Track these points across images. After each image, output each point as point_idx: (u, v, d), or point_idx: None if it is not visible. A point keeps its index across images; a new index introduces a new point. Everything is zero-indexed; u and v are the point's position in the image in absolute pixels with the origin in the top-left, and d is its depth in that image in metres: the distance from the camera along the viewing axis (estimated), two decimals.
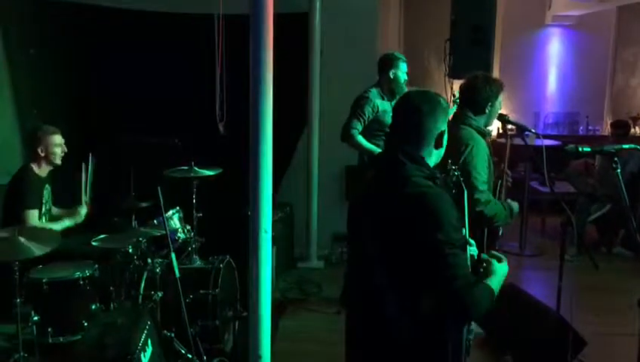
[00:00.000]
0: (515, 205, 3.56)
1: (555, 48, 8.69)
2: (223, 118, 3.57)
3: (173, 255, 2.93)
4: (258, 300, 2.77)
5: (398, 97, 4.42)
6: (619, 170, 1.89)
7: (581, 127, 8.72)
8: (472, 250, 2.48)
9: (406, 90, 4.46)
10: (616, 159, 1.88)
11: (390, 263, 2.01)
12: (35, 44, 4.89)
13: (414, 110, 2.10)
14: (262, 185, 2.70)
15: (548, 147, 3.40)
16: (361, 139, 4.36)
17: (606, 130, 8.73)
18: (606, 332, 4.17)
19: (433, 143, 2.10)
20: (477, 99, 3.23)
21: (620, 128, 6.19)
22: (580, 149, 1.95)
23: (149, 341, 2.68)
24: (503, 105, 9.10)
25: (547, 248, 6.24)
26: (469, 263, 2.09)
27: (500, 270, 2.11)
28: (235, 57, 3.23)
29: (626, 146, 1.91)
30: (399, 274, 2.00)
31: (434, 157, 2.13)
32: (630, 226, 5.81)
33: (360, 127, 4.36)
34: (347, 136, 4.38)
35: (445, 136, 2.12)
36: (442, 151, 2.15)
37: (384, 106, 4.45)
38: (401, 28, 8.57)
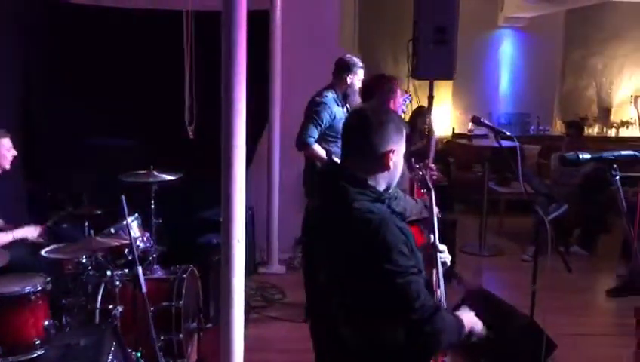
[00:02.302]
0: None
1: (507, 50, 8.84)
2: (192, 121, 3.38)
3: (139, 268, 2.73)
4: (231, 312, 2.65)
5: (349, 104, 4.36)
6: (617, 177, 1.84)
7: (532, 127, 8.90)
8: (444, 256, 2.40)
9: (358, 98, 4.38)
10: (615, 166, 1.83)
11: (344, 293, 1.87)
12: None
13: (358, 128, 1.94)
14: (234, 193, 2.56)
15: (504, 148, 3.39)
16: (317, 147, 4.17)
17: (556, 130, 8.95)
18: (574, 332, 4.20)
19: (380, 164, 1.92)
20: (371, 95, 3.44)
21: (575, 128, 6.31)
22: (581, 157, 1.89)
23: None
24: (458, 105, 9.19)
25: (506, 248, 6.30)
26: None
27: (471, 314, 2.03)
28: (205, 56, 3.05)
29: (624, 153, 1.87)
30: (355, 304, 1.85)
31: (383, 180, 1.95)
32: (589, 227, 5.97)
33: (317, 135, 4.15)
34: (303, 145, 4.16)
35: (396, 157, 1.93)
36: (396, 173, 1.97)
37: (339, 113, 4.28)
38: (356, 28, 8.52)
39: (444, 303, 2.36)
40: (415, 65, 4.99)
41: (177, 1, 3.08)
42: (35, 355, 2.85)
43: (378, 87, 3.43)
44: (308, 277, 2.19)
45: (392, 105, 3.35)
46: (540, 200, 5.64)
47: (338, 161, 2.08)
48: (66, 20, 4.97)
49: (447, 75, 4.85)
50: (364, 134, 1.92)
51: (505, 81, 8.91)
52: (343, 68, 4.31)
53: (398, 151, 1.94)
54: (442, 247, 2.33)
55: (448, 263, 2.34)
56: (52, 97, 4.90)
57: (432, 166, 4.04)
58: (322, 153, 4.17)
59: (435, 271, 2.25)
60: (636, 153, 1.90)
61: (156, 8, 4.78)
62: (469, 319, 2.01)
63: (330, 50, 5.33)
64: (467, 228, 6.23)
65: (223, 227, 2.57)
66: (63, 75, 4.94)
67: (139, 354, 2.98)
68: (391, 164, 1.92)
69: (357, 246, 1.81)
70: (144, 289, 2.68)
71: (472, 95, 8.82)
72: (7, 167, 3.71)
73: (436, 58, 4.87)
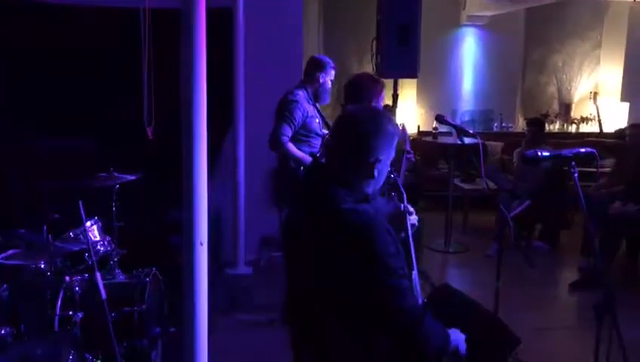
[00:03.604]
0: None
1: (469, 48, 8.93)
2: (151, 121, 3.31)
3: (98, 274, 2.65)
4: (194, 318, 2.59)
5: (318, 103, 4.34)
6: (576, 174, 1.85)
7: (495, 124, 9.02)
8: (413, 218, 2.44)
9: (327, 97, 4.38)
10: (573, 163, 1.85)
11: (335, 297, 1.85)
12: None
13: (349, 133, 1.96)
14: (196, 195, 2.50)
15: (467, 145, 3.42)
16: (291, 147, 4.10)
17: (518, 126, 9.08)
18: (537, 326, 4.25)
19: (365, 171, 1.94)
20: (361, 95, 3.49)
21: (536, 125, 6.40)
22: (540, 155, 1.90)
23: None
24: (423, 103, 9.23)
25: (470, 245, 6.37)
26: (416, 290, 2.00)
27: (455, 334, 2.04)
28: (163, 55, 2.99)
29: (583, 150, 1.89)
30: (347, 308, 1.84)
31: (368, 185, 1.97)
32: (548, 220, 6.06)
33: (290, 133, 4.08)
34: (277, 144, 4.07)
35: (381, 166, 1.94)
36: (381, 180, 2.00)
37: (311, 110, 4.24)
38: (320, 26, 8.50)
39: (416, 277, 2.39)
40: (379, 63, 5.01)
41: None
42: None
43: (367, 87, 3.43)
44: (291, 283, 2.15)
45: (373, 104, 3.42)
46: (503, 196, 5.71)
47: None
48: (18, 17, 4.82)
49: (411, 74, 4.89)
50: (354, 140, 1.93)
51: (468, 78, 9.00)
52: (316, 66, 4.27)
53: (384, 161, 1.95)
54: (411, 209, 2.39)
55: (417, 224, 2.44)
56: (7, 98, 4.74)
57: (409, 150, 4.10)
58: (296, 152, 4.12)
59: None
60: (593, 151, 1.93)
61: (113, 6, 4.66)
62: (455, 334, 2.02)
63: (295, 48, 5.31)
64: (432, 224, 6.27)
65: (185, 230, 2.51)
66: (14, 74, 4.78)
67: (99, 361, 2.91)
68: (375, 172, 1.93)
69: (346, 248, 1.80)
70: (103, 296, 2.61)
71: (437, 93, 8.89)
72: None
73: (400, 57, 4.89)
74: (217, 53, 4.97)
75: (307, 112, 4.16)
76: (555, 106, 9.36)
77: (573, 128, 9.21)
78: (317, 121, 4.25)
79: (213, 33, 4.87)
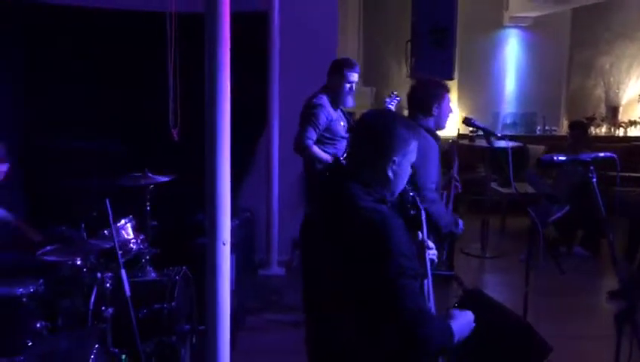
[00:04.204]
0: (460, 222, 3.55)
1: (512, 49, 8.78)
2: (176, 123, 3.39)
3: (123, 271, 2.73)
4: (216, 316, 2.64)
5: (342, 105, 4.34)
6: (594, 180, 1.81)
7: (538, 127, 8.84)
8: (432, 253, 2.41)
9: (350, 100, 4.34)
10: (592, 168, 1.80)
11: (344, 293, 1.88)
12: None
13: (364, 134, 2.01)
14: (219, 195, 2.55)
15: (502, 148, 3.38)
16: (316, 149, 4.17)
17: (563, 130, 8.87)
18: (573, 335, 4.14)
19: (380, 172, 1.96)
20: (423, 101, 3.30)
21: (578, 129, 6.24)
22: (555, 158, 1.87)
23: None
24: (464, 106, 9.16)
25: (508, 250, 6.24)
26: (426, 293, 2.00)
27: (465, 317, 2.03)
28: (189, 59, 3.06)
29: (602, 154, 1.84)
30: (353, 305, 1.87)
31: (386, 186, 1.99)
32: (589, 227, 5.89)
33: (315, 137, 4.15)
34: (302, 148, 4.16)
35: (397, 167, 1.97)
36: (398, 182, 2.01)
37: (335, 114, 4.28)
38: (360, 28, 8.51)
39: (432, 306, 2.35)
40: (413, 65, 4.99)
41: (161, 2, 3.09)
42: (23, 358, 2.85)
43: (429, 92, 3.34)
44: (306, 280, 2.19)
45: (436, 111, 3.28)
46: (541, 201, 5.59)
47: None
48: (47, 21, 4.96)
49: (446, 75, 4.84)
50: (367, 141, 1.99)
51: (511, 81, 8.86)
52: (337, 68, 4.28)
53: (400, 164, 1.96)
54: (431, 244, 2.36)
55: (436, 260, 2.36)
56: (38, 102, 4.91)
57: (456, 177, 4.03)
58: (322, 154, 4.17)
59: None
60: (613, 155, 1.88)
61: (139, 10, 4.79)
62: (460, 324, 2.00)
63: (329, 51, 5.32)
64: (469, 229, 6.16)
65: (208, 229, 2.56)
66: (45, 78, 4.95)
67: (123, 357, 2.98)
68: (390, 173, 1.96)
69: (359, 245, 1.83)
70: (128, 293, 2.68)
71: (478, 95, 8.78)
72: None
73: (434, 58, 4.87)
74: (252, 56, 5.09)
75: (331, 116, 4.21)
76: (602, 109, 9.09)
77: (620, 132, 8.93)
78: (342, 124, 4.28)
79: (248, 36, 4.98)
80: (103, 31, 4.95)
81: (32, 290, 3.13)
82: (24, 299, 3.09)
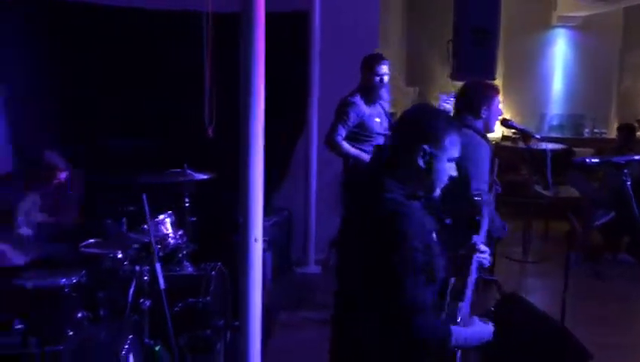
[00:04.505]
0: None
1: (560, 49, 8.57)
2: (211, 121, 3.47)
3: (158, 265, 2.81)
4: (247, 311, 2.68)
5: (379, 100, 4.41)
6: (629, 183, 1.76)
7: (586, 130, 8.59)
8: (484, 256, 2.37)
9: (385, 93, 4.40)
10: (625, 171, 1.75)
11: (363, 284, 1.92)
12: (9, 42, 4.74)
13: (398, 125, 2.06)
14: (252, 193, 2.60)
15: (553, 150, 3.31)
16: (345, 145, 4.27)
17: (612, 133, 8.59)
18: (615, 343, 4.02)
19: (414, 160, 1.95)
20: (473, 102, 3.25)
21: (625, 131, 6.05)
22: (588, 161, 1.82)
23: (131, 356, 2.56)
24: (509, 107, 8.98)
25: (551, 254, 6.09)
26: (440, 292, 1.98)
27: (481, 327, 2.01)
28: (226, 58, 3.11)
29: (637, 157, 1.79)
30: (368, 297, 1.90)
31: (420, 183, 1.98)
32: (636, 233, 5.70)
33: (344, 133, 4.26)
34: (331, 143, 4.31)
35: (430, 159, 1.95)
36: (435, 179, 1.99)
37: (369, 110, 4.35)
38: (404, 28, 8.46)
39: (467, 308, 2.33)
40: (455, 65, 4.94)
41: (197, 2, 3.17)
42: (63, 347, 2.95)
43: (477, 94, 3.29)
44: (337, 277, 2.23)
45: (485, 113, 3.24)
46: (585, 205, 5.45)
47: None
48: (85, 20, 5.10)
49: (488, 75, 4.78)
50: (399, 129, 2.05)
51: (558, 81, 8.64)
52: (365, 64, 4.37)
53: (436, 155, 1.94)
54: (484, 248, 2.32)
55: (486, 264, 2.37)
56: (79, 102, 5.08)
57: (497, 180, 4.00)
58: (351, 150, 4.26)
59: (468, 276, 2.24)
60: None
61: (176, 9, 4.91)
62: (470, 332, 1.98)
63: (370, 52, 5.31)
64: (511, 232, 6.06)
65: (240, 226, 2.61)
66: (84, 76, 5.10)
67: (157, 348, 3.06)
68: (420, 162, 1.94)
69: (374, 235, 1.86)
70: (162, 286, 2.75)
71: (524, 96, 8.60)
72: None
73: (476, 58, 4.81)
74: (292, 56, 5.14)
75: (363, 112, 4.29)
76: None
77: None
78: (377, 120, 4.32)
79: (288, 36, 5.01)
80: (141, 30, 5.08)
81: (74, 281, 3.25)
82: (66, 290, 3.20)
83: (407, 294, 1.79)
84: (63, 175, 3.88)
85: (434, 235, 1.95)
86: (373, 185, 1.96)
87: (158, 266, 2.81)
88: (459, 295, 2.16)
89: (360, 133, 4.30)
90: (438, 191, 2.05)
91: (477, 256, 2.33)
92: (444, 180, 2.02)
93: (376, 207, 1.89)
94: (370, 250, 1.86)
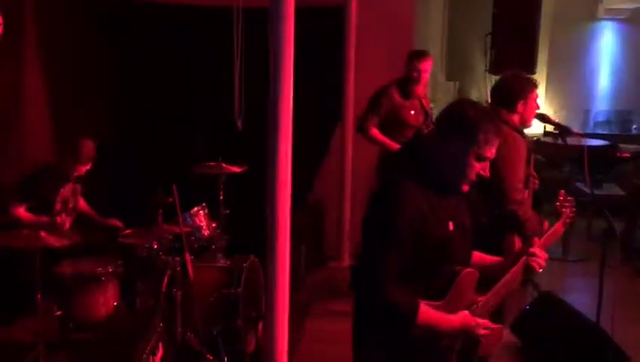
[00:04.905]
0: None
1: (607, 43, 8.31)
2: (240, 114, 3.52)
3: (187, 256, 2.86)
4: (275, 302, 2.70)
5: (416, 93, 4.49)
6: None
7: (634, 126, 8.32)
8: (537, 260, 2.28)
9: (420, 88, 4.50)
10: None
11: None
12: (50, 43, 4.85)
13: (439, 116, 2.05)
14: (280, 184, 2.61)
15: (597, 147, 3.22)
16: (375, 132, 4.41)
17: None
18: None
19: (444, 156, 1.94)
20: (510, 96, 3.14)
21: None
22: (618, 155, 1.77)
23: (160, 344, 2.63)
24: (552, 102, 8.78)
25: (593, 253, 5.93)
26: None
27: (458, 317, 1.97)
28: (256, 52, 3.15)
29: None
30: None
31: (443, 169, 1.96)
32: None
33: (375, 121, 4.41)
34: (361, 129, 4.49)
35: (457, 151, 1.94)
36: (455, 166, 1.96)
37: (403, 102, 4.46)
38: (445, 22, 8.35)
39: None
40: (493, 59, 4.87)
41: None
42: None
43: (514, 87, 3.19)
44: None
45: (521, 107, 3.16)
46: (630, 203, 5.28)
47: None
48: (121, 15, 5.20)
49: (528, 69, 4.69)
50: (436, 122, 2.07)
51: (604, 76, 8.38)
52: (408, 58, 4.45)
53: (457, 144, 1.94)
54: (538, 251, 2.26)
55: (538, 269, 2.29)
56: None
57: (534, 173, 3.94)
58: (379, 137, 4.41)
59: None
60: None
61: (207, 5, 4.99)
62: (442, 316, 1.95)
63: (405, 45, 5.27)
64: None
65: (268, 218, 2.63)
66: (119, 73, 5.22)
67: (186, 337, 3.12)
68: (449, 152, 1.93)
69: (369, 208, 1.99)
70: (191, 277, 2.80)
71: (568, 91, 8.37)
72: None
73: (515, 52, 4.73)
74: (329, 49, 5.15)
75: (396, 103, 4.41)
76: None
77: None
78: (412, 112, 4.36)
79: (325, 31, 5.02)
80: (172, 26, 5.18)
81: (110, 270, 3.36)
82: (104, 278, 3.32)
83: (375, 260, 1.87)
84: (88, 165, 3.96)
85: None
86: (390, 169, 2.07)
87: (187, 257, 2.86)
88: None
89: (392, 124, 4.41)
90: (466, 187, 2.02)
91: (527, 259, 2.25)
92: (471, 176, 1.98)
93: (380, 186, 2.02)
94: (364, 225, 1.98)
